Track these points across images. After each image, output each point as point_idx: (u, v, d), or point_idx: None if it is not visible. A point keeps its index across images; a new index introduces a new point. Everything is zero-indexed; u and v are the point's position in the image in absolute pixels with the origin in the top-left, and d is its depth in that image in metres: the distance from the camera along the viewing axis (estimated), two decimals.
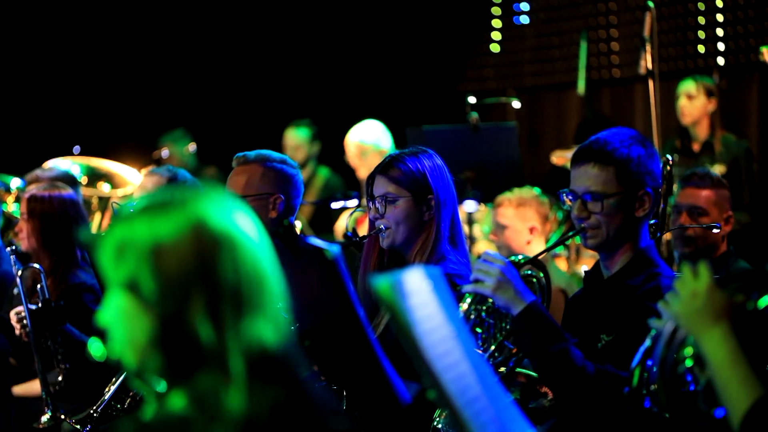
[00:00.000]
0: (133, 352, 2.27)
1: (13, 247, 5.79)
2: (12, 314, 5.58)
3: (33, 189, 6.10)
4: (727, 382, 2.83)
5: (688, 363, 2.99)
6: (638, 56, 7.49)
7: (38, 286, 5.56)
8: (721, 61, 10.62)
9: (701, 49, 10.79)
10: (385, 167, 4.55)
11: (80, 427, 5.05)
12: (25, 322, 5.49)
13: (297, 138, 10.67)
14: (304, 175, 10.32)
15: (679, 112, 9.05)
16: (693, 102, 8.97)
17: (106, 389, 5.06)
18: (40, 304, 5.49)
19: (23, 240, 6.03)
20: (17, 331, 5.59)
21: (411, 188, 4.50)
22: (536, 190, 7.14)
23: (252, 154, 5.12)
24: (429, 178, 4.51)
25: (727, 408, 2.85)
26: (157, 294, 2.23)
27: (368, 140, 9.44)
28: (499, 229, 7.01)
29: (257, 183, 5.05)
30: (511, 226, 6.94)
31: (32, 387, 6.00)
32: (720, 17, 10.67)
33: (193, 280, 2.23)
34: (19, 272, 5.56)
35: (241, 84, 12.49)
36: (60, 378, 5.73)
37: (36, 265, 5.61)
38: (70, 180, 6.93)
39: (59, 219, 5.97)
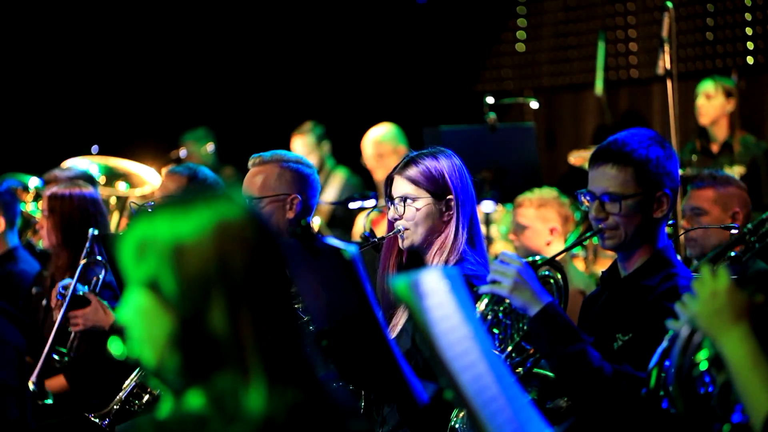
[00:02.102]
0: (152, 350, 2.28)
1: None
2: (58, 287, 5.65)
3: (54, 187, 6.12)
4: (747, 383, 2.82)
5: (703, 366, 2.98)
6: (656, 57, 7.47)
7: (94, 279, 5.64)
8: (739, 61, 10.59)
9: (720, 49, 10.76)
10: (404, 168, 4.54)
11: (99, 421, 5.08)
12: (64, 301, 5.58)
13: (304, 144, 10.65)
14: (321, 176, 10.37)
15: (697, 111, 9.05)
16: (711, 102, 8.97)
17: (125, 384, 5.10)
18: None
19: (43, 237, 6.05)
20: (52, 303, 5.66)
21: (430, 189, 4.49)
22: (556, 192, 7.14)
23: (267, 154, 5.13)
24: (448, 179, 4.51)
25: (747, 409, 2.84)
26: (178, 293, 2.23)
27: (385, 143, 9.46)
28: (519, 229, 7.01)
29: (274, 184, 5.05)
30: (532, 226, 6.94)
31: (49, 385, 6.02)
32: (739, 18, 10.65)
33: (214, 280, 2.23)
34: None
35: (260, 84, 12.51)
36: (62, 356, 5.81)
37: None
38: (88, 180, 6.95)
39: (79, 217, 5.99)
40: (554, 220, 6.93)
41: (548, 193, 7.05)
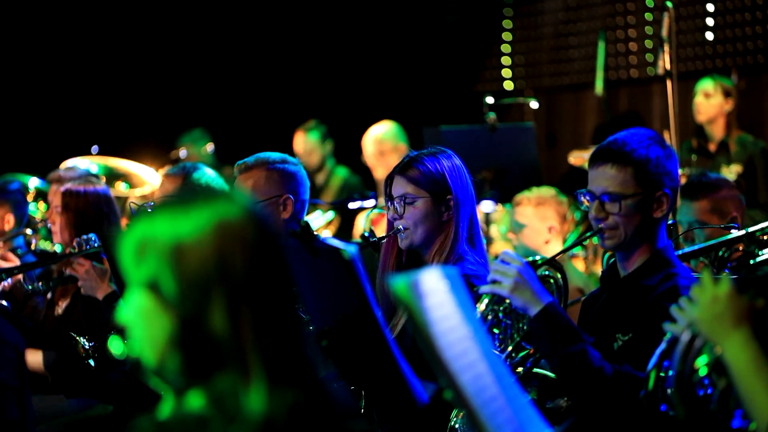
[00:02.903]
0: (152, 350, 2.28)
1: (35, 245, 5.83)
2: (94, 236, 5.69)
3: (68, 184, 6.09)
4: (751, 388, 2.81)
5: (703, 372, 2.98)
6: (656, 57, 7.47)
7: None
8: (739, 61, 10.60)
9: (719, 49, 10.77)
10: (404, 167, 4.54)
11: (86, 343, 5.06)
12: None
13: (308, 142, 10.65)
14: (322, 176, 10.37)
15: (694, 109, 9.07)
16: (709, 100, 9.00)
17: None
18: None
19: (55, 233, 6.02)
20: (73, 243, 5.73)
21: (430, 189, 4.49)
22: (554, 190, 7.14)
23: (251, 159, 5.13)
24: (448, 179, 4.50)
25: (751, 414, 2.84)
26: (178, 294, 2.23)
27: (385, 141, 9.46)
28: (517, 227, 7.01)
29: (263, 187, 5.06)
30: (530, 224, 6.94)
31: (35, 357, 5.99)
32: (738, 17, 10.65)
33: (214, 281, 2.23)
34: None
35: (259, 83, 12.51)
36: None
37: None
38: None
39: (93, 214, 5.96)
40: (552, 219, 6.94)
41: (546, 191, 7.06)
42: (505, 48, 12.34)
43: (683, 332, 2.99)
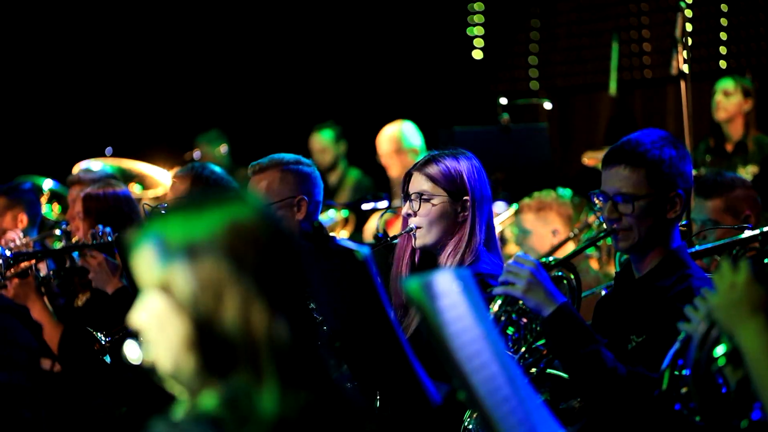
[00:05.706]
0: (166, 353, 2.28)
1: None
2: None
3: (87, 188, 6.08)
4: (764, 376, 2.81)
5: (721, 362, 2.98)
6: (670, 57, 7.45)
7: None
8: (753, 61, 10.58)
9: (733, 49, 10.75)
10: (424, 165, 4.54)
11: (103, 338, 5.06)
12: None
13: (322, 141, 10.68)
14: (335, 176, 10.37)
15: (714, 107, 9.05)
16: (729, 98, 8.98)
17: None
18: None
19: (81, 240, 6.01)
20: (86, 237, 5.75)
21: (447, 188, 4.48)
22: (566, 192, 7.13)
23: (265, 160, 5.14)
24: (466, 180, 4.50)
25: (764, 403, 2.83)
26: (191, 295, 2.24)
27: (400, 140, 9.45)
28: (523, 234, 7.01)
29: (277, 189, 5.06)
30: (534, 230, 6.93)
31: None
32: (752, 17, 10.63)
33: (227, 282, 2.23)
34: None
35: (274, 84, 12.52)
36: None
37: None
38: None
39: (115, 217, 5.95)
40: (555, 222, 6.93)
41: (547, 195, 7.05)
42: (519, 49, 12.33)
43: (701, 321, 2.99)
